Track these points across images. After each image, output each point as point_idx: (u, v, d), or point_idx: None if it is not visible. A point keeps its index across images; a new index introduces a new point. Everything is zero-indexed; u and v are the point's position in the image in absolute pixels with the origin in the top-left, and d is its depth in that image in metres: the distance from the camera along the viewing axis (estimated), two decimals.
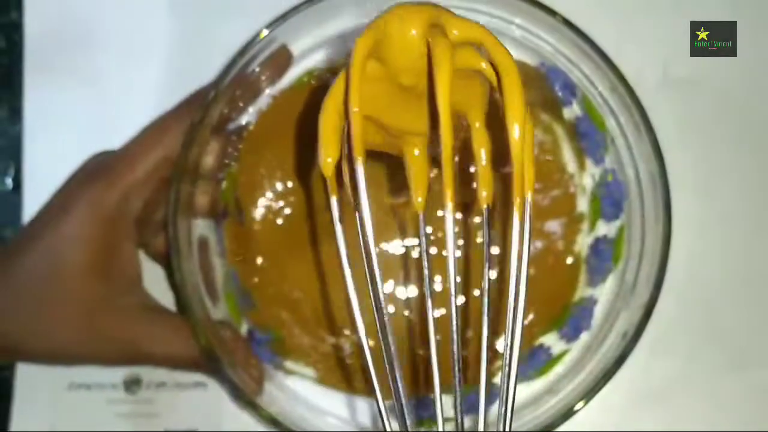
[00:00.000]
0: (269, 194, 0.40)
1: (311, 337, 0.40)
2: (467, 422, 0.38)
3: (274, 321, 0.40)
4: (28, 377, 0.40)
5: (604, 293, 0.39)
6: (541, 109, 0.41)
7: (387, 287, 0.40)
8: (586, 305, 0.39)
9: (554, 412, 0.35)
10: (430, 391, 0.39)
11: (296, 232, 0.41)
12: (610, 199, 0.39)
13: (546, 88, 0.40)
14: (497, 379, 0.39)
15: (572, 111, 0.40)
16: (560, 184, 0.41)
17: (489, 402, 0.38)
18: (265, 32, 0.36)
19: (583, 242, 0.40)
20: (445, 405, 0.38)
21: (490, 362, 0.35)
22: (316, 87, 0.40)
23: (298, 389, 0.39)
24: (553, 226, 0.41)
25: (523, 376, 0.39)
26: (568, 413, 0.34)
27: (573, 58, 0.38)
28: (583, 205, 0.41)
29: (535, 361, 0.39)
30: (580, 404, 0.34)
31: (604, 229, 0.40)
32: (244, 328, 0.40)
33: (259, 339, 0.39)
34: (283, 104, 0.40)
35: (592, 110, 0.39)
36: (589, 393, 0.34)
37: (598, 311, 0.39)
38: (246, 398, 0.35)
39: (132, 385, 0.41)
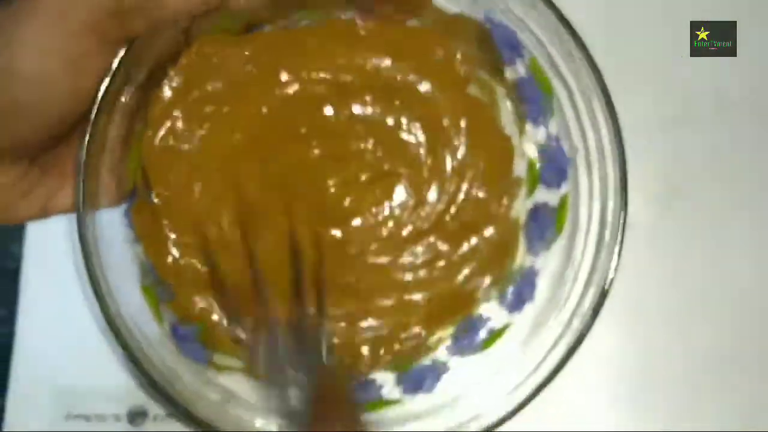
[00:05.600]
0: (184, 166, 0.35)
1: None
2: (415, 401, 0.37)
3: (198, 308, 0.36)
4: (20, 405, 0.37)
5: (548, 265, 0.38)
6: (479, 65, 0.38)
7: None
8: (528, 275, 0.38)
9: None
10: None
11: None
12: (552, 165, 0.38)
13: (488, 46, 0.37)
14: (440, 354, 0.38)
15: (515, 71, 0.37)
16: None
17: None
18: None
19: (521, 208, 0.39)
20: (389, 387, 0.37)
21: None
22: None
23: (233, 387, 0.35)
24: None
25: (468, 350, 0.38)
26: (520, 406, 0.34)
27: (523, 16, 0.35)
28: (520, 169, 0.39)
29: (473, 335, 0.38)
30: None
31: (544, 195, 0.38)
32: (166, 325, 0.35)
33: (184, 334, 0.35)
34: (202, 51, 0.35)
35: (538, 72, 0.36)
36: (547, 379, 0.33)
37: (542, 283, 0.38)
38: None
39: (137, 416, 0.39)
